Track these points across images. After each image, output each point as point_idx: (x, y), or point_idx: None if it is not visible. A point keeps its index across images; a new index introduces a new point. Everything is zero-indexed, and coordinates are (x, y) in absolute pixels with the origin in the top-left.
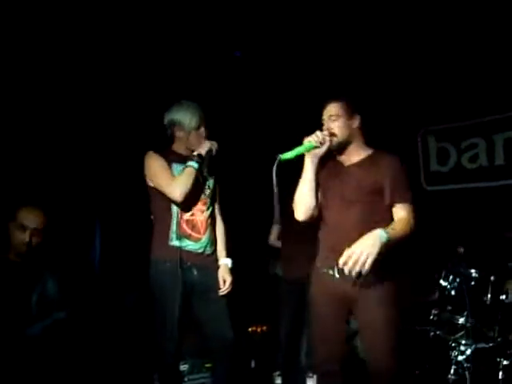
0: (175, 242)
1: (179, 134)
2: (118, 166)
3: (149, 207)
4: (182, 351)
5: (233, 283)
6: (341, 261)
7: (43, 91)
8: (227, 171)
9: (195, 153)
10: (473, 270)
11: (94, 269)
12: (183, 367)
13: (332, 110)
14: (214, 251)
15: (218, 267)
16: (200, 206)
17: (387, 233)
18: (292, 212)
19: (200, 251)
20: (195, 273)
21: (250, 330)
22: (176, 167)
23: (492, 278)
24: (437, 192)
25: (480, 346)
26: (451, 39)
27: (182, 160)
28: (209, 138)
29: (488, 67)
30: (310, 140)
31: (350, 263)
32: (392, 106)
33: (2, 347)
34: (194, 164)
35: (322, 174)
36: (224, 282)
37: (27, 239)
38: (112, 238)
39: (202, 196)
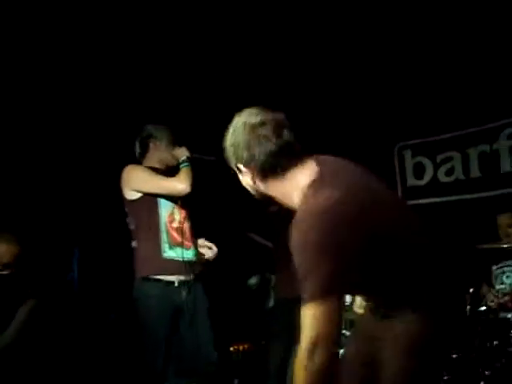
0: (169, 253)
1: (155, 146)
2: (94, 186)
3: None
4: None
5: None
6: None
7: (27, 116)
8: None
9: (181, 158)
10: None
11: (72, 289)
12: None
13: None
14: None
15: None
16: (186, 213)
17: None
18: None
19: (194, 259)
20: (183, 293)
21: (231, 348)
22: None
23: (471, 290)
24: (414, 206)
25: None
26: (426, 54)
27: (163, 173)
28: None
29: (461, 81)
30: None
31: None
32: (368, 122)
33: None
34: (187, 163)
35: None
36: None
37: None
38: (90, 259)
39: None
